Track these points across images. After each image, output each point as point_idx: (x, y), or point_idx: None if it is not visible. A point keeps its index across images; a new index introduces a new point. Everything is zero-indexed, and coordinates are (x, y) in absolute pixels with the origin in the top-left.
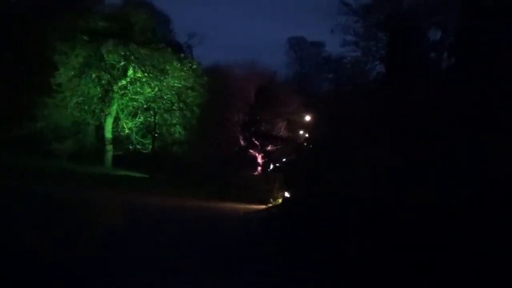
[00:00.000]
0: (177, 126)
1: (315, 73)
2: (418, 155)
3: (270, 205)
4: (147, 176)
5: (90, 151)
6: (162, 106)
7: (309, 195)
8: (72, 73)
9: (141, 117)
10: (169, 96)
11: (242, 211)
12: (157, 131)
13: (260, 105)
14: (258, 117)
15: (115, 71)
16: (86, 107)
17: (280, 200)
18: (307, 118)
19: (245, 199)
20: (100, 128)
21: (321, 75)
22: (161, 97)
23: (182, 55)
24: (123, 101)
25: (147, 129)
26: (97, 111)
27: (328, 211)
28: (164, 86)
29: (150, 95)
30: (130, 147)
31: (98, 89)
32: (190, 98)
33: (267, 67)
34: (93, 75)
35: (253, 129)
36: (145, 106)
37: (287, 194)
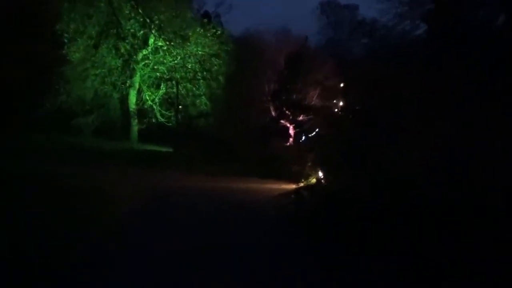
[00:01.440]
0: (202, 97)
1: (348, 38)
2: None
3: (302, 184)
4: (171, 150)
5: (115, 125)
6: (185, 76)
7: (353, 179)
8: (91, 42)
9: (164, 88)
10: (192, 64)
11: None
12: (180, 103)
13: (291, 73)
14: (288, 86)
15: (135, 40)
16: (107, 79)
17: (314, 180)
18: (342, 85)
19: (276, 177)
20: (123, 101)
21: (356, 40)
22: (184, 66)
23: (206, 20)
24: (144, 72)
25: (170, 101)
26: (118, 83)
27: (379, 202)
28: (186, 54)
29: (171, 64)
30: (154, 120)
31: (119, 60)
32: (215, 67)
33: (297, 34)
34: (111, 45)
35: (284, 98)
36: (167, 77)
37: (321, 174)
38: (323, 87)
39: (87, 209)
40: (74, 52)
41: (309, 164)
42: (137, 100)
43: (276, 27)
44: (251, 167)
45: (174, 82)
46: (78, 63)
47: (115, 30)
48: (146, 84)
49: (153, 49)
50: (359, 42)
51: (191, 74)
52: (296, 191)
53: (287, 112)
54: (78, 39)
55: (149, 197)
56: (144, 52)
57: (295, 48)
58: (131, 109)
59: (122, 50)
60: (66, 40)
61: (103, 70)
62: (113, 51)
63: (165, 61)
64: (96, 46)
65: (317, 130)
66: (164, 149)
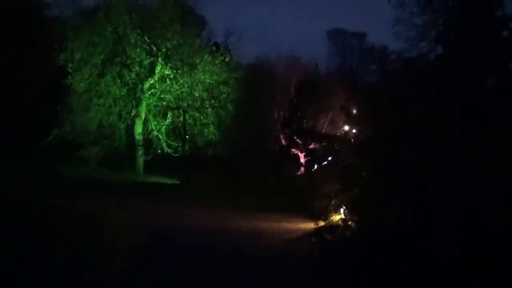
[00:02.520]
0: (210, 126)
1: (357, 65)
2: None
3: (322, 223)
4: (178, 182)
5: (120, 156)
6: (192, 104)
7: (401, 218)
8: (95, 71)
9: (170, 118)
10: (199, 92)
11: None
12: (188, 133)
13: (301, 100)
14: (299, 113)
15: (141, 69)
16: (113, 109)
17: (336, 218)
18: (355, 111)
19: (290, 210)
20: (128, 131)
21: (365, 66)
22: (191, 94)
23: (214, 47)
24: (151, 101)
25: (177, 131)
26: (123, 113)
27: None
28: (194, 81)
29: (178, 92)
30: (159, 151)
31: (124, 89)
32: (224, 95)
33: (307, 61)
34: (115, 73)
35: (294, 126)
36: (174, 105)
37: (342, 210)
38: (333, 114)
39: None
40: (79, 82)
41: (328, 197)
42: (143, 130)
43: (286, 54)
44: (261, 199)
45: (181, 111)
46: (83, 92)
47: (120, 58)
48: (152, 114)
49: (160, 77)
50: (368, 68)
51: (198, 103)
52: (317, 232)
53: (297, 140)
54: (82, 68)
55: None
56: (151, 81)
57: (305, 75)
58: (136, 140)
59: (128, 79)
60: (70, 70)
61: (108, 100)
62: (118, 80)
63: (171, 89)
64: (101, 75)
65: (329, 158)
66: (169, 181)
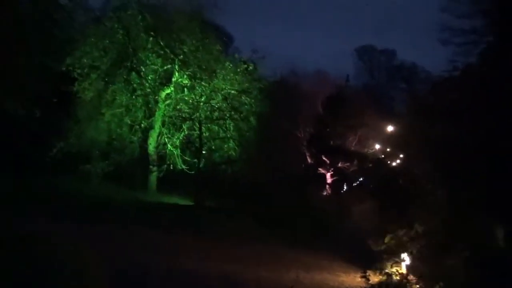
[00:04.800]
0: (230, 141)
1: (386, 83)
2: None
3: (375, 279)
4: (192, 204)
5: (131, 172)
6: (210, 116)
7: None
8: (105, 78)
9: (185, 130)
10: (219, 103)
11: None
12: (204, 148)
13: (329, 116)
14: (328, 130)
15: (156, 76)
16: (125, 120)
17: (398, 270)
18: (389, 129)
19: (324, 247)
20: (141, 144)
21: (393, 84)
22: (208, 103)
23: (236, 55)
24: (166, 112)
25: (192, 147)
26: (135, 125)
27: None
28: (212, 90)
29: (194, 102)
30: (171, 167)
31: (136, 98)
32: (246, 106)
33: (335, 76)
34: (122, 79)
35: (320, 144)
36: (189, 117)
37: (406, 257)
38: (362, 132)
39: None
40: (87, 89)
41: (387, 237)
42: (157, 144)
43: (313, 70)
44: (284, 232)
45: (196, 123)
46: (90, 101)
47: (129, 63)
48: (166, 126)
49: (176, 86)
50: (397, 86)
51: (216, 113)
52: None
53: (324, 158)
54: (91, 74)
55: None
56: (167, 90)
57: (334, 90)
58: (150, 154)
59: (137, 86)
60: (77, 76)
61: (118, 110)
62: (130, 89)
63: (188, 99)
64: (110, 82)
65: (361, 179)
66: (183, 201)
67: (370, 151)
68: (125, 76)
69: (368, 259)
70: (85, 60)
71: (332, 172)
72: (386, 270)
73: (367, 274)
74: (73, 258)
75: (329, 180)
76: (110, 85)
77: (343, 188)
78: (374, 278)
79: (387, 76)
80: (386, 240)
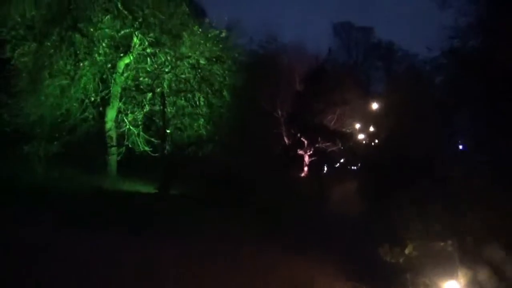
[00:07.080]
0: (201, 119)
1: (363, 61)
2: None
3: None
4: (156, 191)
5: (86, 154)
6: (175, 87)
7: None
8: (46, 41)
9: (148, 106)
10: (186, 71)
11: None
12: (170, 126)
13: (309, 92)
14: (307, 107)
15: (112, 42)
16: (73, 94)
17: None
18: (370, 107)
19: (318, 243)
20: (97, 122)
21: (371, 63)
22: (172, 72)
23: (207, 19)
24: (125, 85)
25: (154, 123)
26: (86, 100)
27: None
28: (178, 58)
29: (156, 71)
30: (132, 149)
31: (87, 68)
32: (218, 78)
33: (314, 53)
34: (62, 42)
35: (299, 123)
36: (151, 89)
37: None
38: (342, 111)
39: None
40: (23, 55)
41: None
42: (115, 121)
43: (291, 43)
44: (266, 220)
45: (159, 96)
46: (28, 70)
47: (70, 21)
48: (123, 101)
49: (136, 55)
50: (374, 64)
51: (183, 85)
52: None
53: (302, 139)
54: (27, 36)
55: None
56: (126, 60)
57: (314, 63)
58: (107, 134)
59: (87, 53)
60: (10, 39)
61: (65, 81)
62: (73, 54)
63: (149, 69)
64: (45, 45)
65: (342, 160)
66: (144, 189)
67: (348, 130)
68: (62, 36)
69: (372, 268)
70: (18, 18)
71: (310, 152)
72: None
73: None
74: None
75: (306, 161)
76: (45, 49)
77: (323, 170)
78: None
79: (364, 54)
80: (408, 250)
